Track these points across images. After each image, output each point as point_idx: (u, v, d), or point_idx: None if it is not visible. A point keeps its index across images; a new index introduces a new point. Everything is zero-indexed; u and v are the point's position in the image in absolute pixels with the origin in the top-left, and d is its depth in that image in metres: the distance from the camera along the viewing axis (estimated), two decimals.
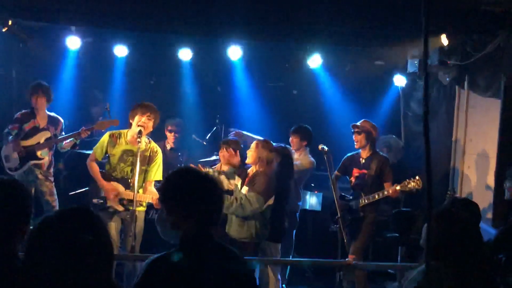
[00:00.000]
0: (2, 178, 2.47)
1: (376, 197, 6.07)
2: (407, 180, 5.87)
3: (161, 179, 5.94)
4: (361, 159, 6.39)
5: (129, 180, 5.75)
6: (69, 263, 1.98)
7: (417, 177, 5.85)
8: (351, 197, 6.44)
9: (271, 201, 5.47)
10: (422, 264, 3.24)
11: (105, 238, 2.13)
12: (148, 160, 5.83)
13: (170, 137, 7.71)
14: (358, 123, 6.38)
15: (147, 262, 2.51)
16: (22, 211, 2.38)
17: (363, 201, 6.15)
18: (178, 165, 7.30)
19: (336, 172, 6.58)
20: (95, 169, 5.88)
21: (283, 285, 6.40)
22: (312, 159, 6.79)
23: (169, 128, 7.71)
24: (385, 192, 6.00)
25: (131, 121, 5.82)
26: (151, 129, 5.85)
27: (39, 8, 6.70)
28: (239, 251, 5.26)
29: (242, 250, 5.33)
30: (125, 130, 5.92)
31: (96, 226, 2.11)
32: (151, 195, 5.75)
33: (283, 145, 6.43)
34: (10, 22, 6.85)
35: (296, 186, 6.60)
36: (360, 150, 6.42)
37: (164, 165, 6.13)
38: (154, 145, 5.95)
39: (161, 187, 2.78)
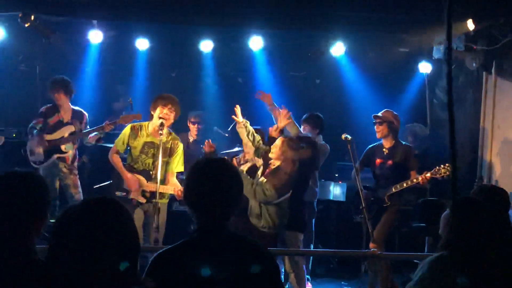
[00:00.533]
0: (17, 171, 2.40)
1: (405, 185, 5.99)
2: (437, 167, 5.78)
3: (183, 170, 5.93)
4: (384, 149, 6.29)
5: (151, 172, 5.74)
6: (93, 254, 1.94)
7: (447, 164, 5.75)
8: (374, 187, 6.34)
9: (288, 195, 5.42)
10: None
11: (131, 229, 2.07)
12: (169, 152, 5.81)
13: (193, 129, 7.73)
14: (379, 113, 6.26)
15: (152, 257, 2.44)
16: (38, 204, 2.32)
17: (392, 189, 6.05)
18: (201, 157, 7.30)
19: (358, 164, 6.43)
20: (117, 161, 5.88)
21: (307, 276, 6.35)
22: (325, 143, 6.69)
23: (192, 120, 7.73)
24: (414, 180, 5.93)
25: (152, 113, 5.79)
26: (173, 121, 5.83)
27: (61, 2, 6.75)
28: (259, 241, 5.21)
29: (262, 240, 5.30)
30: (146, 122, 5.91)
31: (121, 216, 2.06)
32: (173, 186, 5.74)
33: (310, 135, 6.36)
34: (32, 18, 6.92)
35: (313, 172, 6.50)
36: (382, 141, 6.32)
37: (187, 157, 6.12)
38: (175, 136, 5.93)
39: None
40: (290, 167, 5.33)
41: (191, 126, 7.74)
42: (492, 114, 7.26)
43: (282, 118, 5.86)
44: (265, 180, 5.31)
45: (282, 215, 5.37)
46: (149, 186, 5.71)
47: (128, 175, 5.77)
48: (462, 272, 2.84)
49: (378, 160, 6.32)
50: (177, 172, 5.93)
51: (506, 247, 3.39)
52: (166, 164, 5.81)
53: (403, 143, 6.38)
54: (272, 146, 5.50)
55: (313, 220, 6.64)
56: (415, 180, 5.93)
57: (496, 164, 7.11)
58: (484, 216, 3.00)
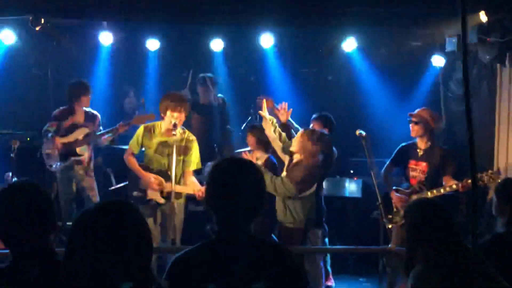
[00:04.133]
0: (17, 183, 2.59)
1: (442, 191, 5.59)
2: (480, 174, 5.36)
3: (200, 167, 5.90)
4: (418, 150, 5.95)
5: (168, 172, 5.68)
6: (108, 255, 2.00)
7: (490, 171, 5.41)
8: (408, 190, 5.99)
9: (312, 189, 5.39)
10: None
11: (144, 231, 2.12)
12: (184, 150, 5.77)
13: None
14: (415, 112, 5.94)
15: (172, 259, 2.44)
16: (45, 213, 2.43)
17: (428, 195, 5.65)
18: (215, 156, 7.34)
19: (388, 163, 6.19)
20: (132, 161, 5.86)
21: (329, 268, 6.46)
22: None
23: None
24: (454, 186, 5.52)
25: (162, 114, 5.77)
26: (184, 119, 5.81)
27: (71, 5, 6.76)
28: (285, 238, 5.19)
29: (289, 237, 5.28)
30: (159, 122, 5.88)
31: (134, 218, 2.11)
32: (192, 186, 5.70)
33: (325, 132, 6.29)
34: (42, 21, 6.93)
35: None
36: (417, 140, 5.99)
37: None
38: (189, 134, 5.89)
39: None
40: (310, 161, 5.26)
41: None
42: (508, 106, 7.17)
43: (283, 112, 5.89)
44: (285, 174, 5.29)
45: (308, 210, 5.33)
46: (168, 187, 5.67)
47: (145, 174, 5.76)
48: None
49: (411, 161, 6.00)
50: (194, 170, 5.90)
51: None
52: (182, 162, 5.77)
53: (441, 146, 6.08)
54: (293, 140, 5.46)
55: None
56: (454, 187, 5.51)
57: None
58: (438, 218, 2.94)
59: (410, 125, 5.95)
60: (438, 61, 8.11)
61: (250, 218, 2.47)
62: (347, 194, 7.37)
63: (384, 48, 8.46)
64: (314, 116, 6.61)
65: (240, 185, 2.41)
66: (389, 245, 4.84)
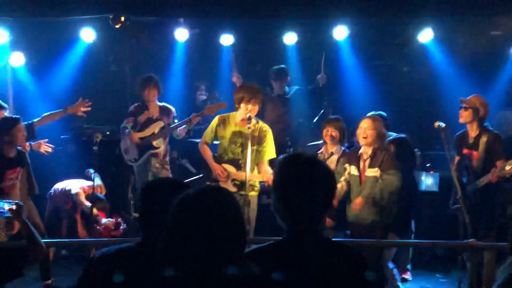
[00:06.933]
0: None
1: (486, 180, 5.48)
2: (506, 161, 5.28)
3: (275, 157, 5.91)
4: (469, 138, 5.82)
5: (240, 161, 5.76)
6: (209, 237, 2.00)
7: None
8: (465, 182, 5.82)
9: None
10: None
11: (241, 216, 2.13)
12: (258, 140, 5.81)
13: None
14: (467, 98, 5.80)
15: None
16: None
17: (477, 185, 5.59)
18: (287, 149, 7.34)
19: (455, 156, 6.05)
20: (207, 151, 6.01)
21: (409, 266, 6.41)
22: None
23: None
24: (490, 175, 5.42)
25: (236, 105, 5.85)
26: (258, 110, 5.86)
27: (149, 2, 6.96)
28: (364, 235, 5.12)
29: (369, 235, 5.18)
30: (234, 113, 5.95)
31: (231, 204, 2.11)
32: (265, 174, 5.72)
33: (402, 135, 6.21)
34: (122, 19, 7.16)
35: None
36: (467, 127, 5.83)
37: None
38: (262, 125, 5.92)
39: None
40: (382, 144, 5.41)
41: None
42: None
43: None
44: (377, 169, 5.34)
45: (392, 203, 5.35)
46: (238, 175, 5.75)
47: (214, 165, 5.87)
48: None
49: (465, 150, 5.86)
50: (270, 160, 5.91)
51: None
52: (256, 152, 5.80)
53: (489, 129, 5.81)
54: (363, 130, 5.41)
55: (413, 221, 6.56)
56: (490, 176, 5.40)
57: None
58: None
59: (460, 111, 5.77)
60: None
61: (322, 215, 2.38)
62: (423, 188, 7.18)
63: (462, 38, 8.20)
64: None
65: (314, 178, 2.30)
66: (471, 240, 4.68)
